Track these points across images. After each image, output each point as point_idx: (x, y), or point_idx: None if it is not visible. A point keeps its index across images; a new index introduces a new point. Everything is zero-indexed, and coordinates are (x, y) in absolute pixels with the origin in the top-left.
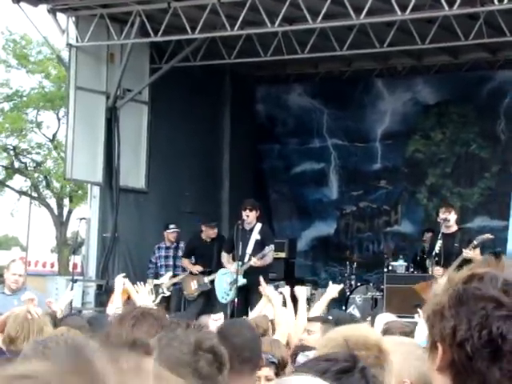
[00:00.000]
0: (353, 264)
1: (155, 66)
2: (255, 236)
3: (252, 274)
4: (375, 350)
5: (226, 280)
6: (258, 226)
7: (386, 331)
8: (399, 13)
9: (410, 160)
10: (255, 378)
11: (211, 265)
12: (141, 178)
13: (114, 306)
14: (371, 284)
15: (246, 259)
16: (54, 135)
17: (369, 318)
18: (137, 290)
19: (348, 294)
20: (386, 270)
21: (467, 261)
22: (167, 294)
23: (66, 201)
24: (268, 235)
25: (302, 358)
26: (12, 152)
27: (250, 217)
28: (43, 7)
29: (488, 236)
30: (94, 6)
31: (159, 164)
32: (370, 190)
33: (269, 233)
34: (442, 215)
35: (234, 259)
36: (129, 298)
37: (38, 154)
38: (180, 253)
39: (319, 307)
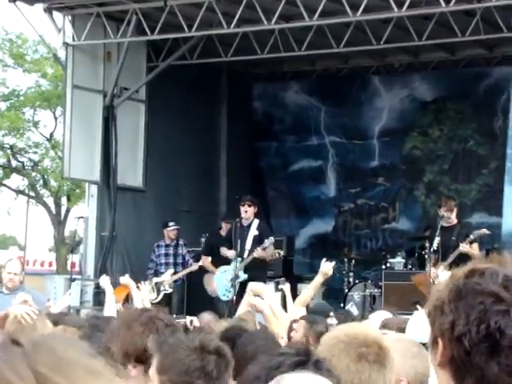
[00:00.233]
0: (351, 261)
1: (152, 64)
2: (253, 232)
3: (252, 269)
4: (375, 347)
5: (226, 277)
6: (256, 222)
7: (384, 326)
8: (396, 9)
9: (407, 157)
10: None
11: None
12: (138, 177)
13: (110, 307)
14: (369, 281)
15: (245, 255)
16: (51, 134)
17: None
18: (139, 287)
19: (346, 291)
20: (384, 267)
21: (463, 255)
22: (169, 290)
23: (64, 200)
24: (266, 231)
25: None
26: (9, 151)
27: (248, 212)
28: (39, 6)
29: (484, 231)
30: (91, 4)
31: (156, 162)
32: (367, 187)
33: (266, 228)
34: (443, 212)
35: None
36: (128, 296)
37: (35, 153)
38: (180, 250)
39: (313, 286)
